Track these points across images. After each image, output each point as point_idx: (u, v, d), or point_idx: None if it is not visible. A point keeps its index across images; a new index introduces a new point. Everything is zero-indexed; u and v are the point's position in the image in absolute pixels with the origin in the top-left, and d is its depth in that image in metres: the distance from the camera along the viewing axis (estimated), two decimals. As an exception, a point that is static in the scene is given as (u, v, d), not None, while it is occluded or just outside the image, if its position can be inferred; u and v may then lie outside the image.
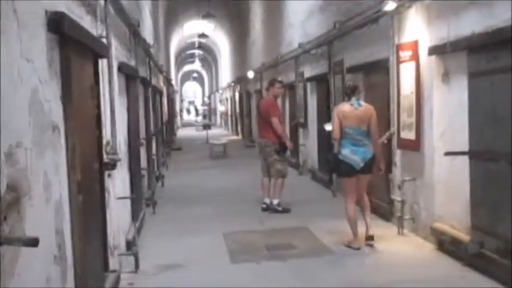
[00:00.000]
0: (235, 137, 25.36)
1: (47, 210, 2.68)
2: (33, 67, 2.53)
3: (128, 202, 6.07)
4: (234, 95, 27.55)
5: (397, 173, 6.54)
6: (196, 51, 37.07)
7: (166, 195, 9.77)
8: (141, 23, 8.81)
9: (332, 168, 6.11)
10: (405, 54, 6.03)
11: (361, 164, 5.60)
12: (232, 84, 27.03)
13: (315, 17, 10.36)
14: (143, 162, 8.26)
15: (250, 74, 18.61)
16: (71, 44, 3.12)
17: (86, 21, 3.89)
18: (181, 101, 54.90)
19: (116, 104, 5.07)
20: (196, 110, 55.04)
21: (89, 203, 3.50)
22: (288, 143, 7.87)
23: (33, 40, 2.55)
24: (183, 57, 40.71)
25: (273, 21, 15.14)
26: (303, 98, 11.50)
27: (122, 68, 5.68)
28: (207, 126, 23.12)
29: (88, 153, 3.57)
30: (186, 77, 58.10)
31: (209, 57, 40.92)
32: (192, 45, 34.49)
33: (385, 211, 6.84)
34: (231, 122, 29.89)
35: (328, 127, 6.37)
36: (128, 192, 6.16)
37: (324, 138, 9.09)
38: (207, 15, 19.39)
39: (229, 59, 29.89)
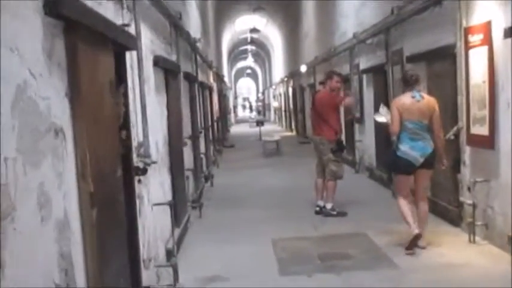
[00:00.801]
0: (289, 133, 24.78)
1: (44, 231, 2.21)
2: (20, 58, 2.06)
3: (169, 207, 5.64)
4: (287, 90, 26.95)
5: (466, 173, 5.79)
6: (249, 47, 36.66)
7: (215, 196, 9.34)
8: (184, 15, 8.40)
9: (390, 164, 5.76)
10: (475, 38, 5.28)
11: (421, 160, 5.23)
12: (285, 79, 26.42)
13: (369, 4, 9.62)
14: (188, 163, 7.83)
15: (303, 68, 17.98)
16: (81, 32, 2.65)
17: (107, 8, 3.43)
18: (236, 97, 54.83)
19: (148, 101, 4.62)
20: (250, 106, 54.86)
21: (108, 215, 3.03)
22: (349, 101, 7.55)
23: (20, 25, 2.09)
24: (236, 53, 40.43)
25: (326, 12, 14.44)
26: (359, 91, 10.78)
27: (158, 62, 5.23)
28: (260, 123, 22.63)
29: (107, 159, 3.11)
30: (240, 73, 57.96)
31: (262, 52, 40.44)
32: (244, 41, 34.12)
33: (453, 215, 6.10)
34: (284, 117, 29.32)
35: (379, 118, 5.84)
36: (168, 197, 5.72)
37: (382, 133, 8.37)
38: (257, 9, 18.88)
39: (282, 54, 29.31)
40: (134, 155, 4.10)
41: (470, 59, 5.39)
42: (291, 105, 24.98)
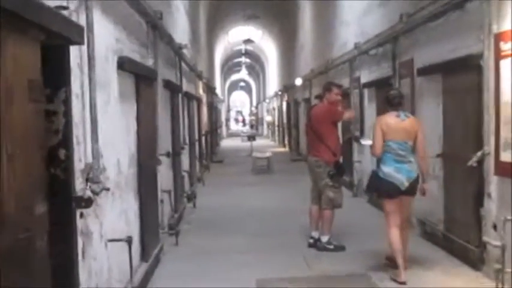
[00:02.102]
0: (282, 149, 23.84)
1: None
2: None
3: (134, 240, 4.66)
4: (281, 105, 26.07)
5: (492, 208, 4.85)
6: (243, 59, 35.80)
7: (197, 219, 8.35)
8: (168, 17, 7.49)
9: (372, 187, 5.29)
10: (510, 46, 4.37)
11: (406, 184, 4.90)
12: (280, 93, 25.53)
13: (374, 12, 8.75)
14: (166, 183, 6.86)
15: (298, 82, 17.10)
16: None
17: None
18: (228, 110, 53.97)
19: (107, 111, 3.69)
20: (244, 120, 54.00)
21: (15, 276, 2.06)
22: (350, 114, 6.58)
23: None
24: (230, 65, 39.58)
25: (325, 21, 13.57)
26: (359, 107, 9.88)
27: (124, 64, 4.28)
28: (251, 138, 21.67)
29: (21, 191, 2.14)
30: (234, 86, 57.10)
31: (256, 65, 39.62)
32: (238, 53, 33.29)
33: (473, 257, 5.15)
34: (278, 132, 28.40)
35: (366, 142, 5.53)
36: (134, 227, 4.76)
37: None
38: (252, 16, 18.04)
39: (276, 67, 28.47)
40: (79, 181, 3.14)
41: (502, 70, 4.48)
42: (285, 120, 24.08)
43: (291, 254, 6.06)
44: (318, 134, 6.14)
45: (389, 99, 5.15)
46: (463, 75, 5.38)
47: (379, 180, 4.98)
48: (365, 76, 9.46)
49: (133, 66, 4.66)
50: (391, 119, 4.99)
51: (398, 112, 5.00)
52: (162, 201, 6.11)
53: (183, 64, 9.24)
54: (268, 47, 29.10)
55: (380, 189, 5.11)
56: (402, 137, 4.91)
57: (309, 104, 16.19)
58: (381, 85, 8.40)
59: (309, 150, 6.51)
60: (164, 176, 6.71)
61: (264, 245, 6.54)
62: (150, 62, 5.81)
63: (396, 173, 4.88)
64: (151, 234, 5.38)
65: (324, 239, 6.13)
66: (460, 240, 5.44)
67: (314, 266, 5.58)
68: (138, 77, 4.96)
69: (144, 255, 5.04)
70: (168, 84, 7.09)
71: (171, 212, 6.78)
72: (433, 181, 6.29)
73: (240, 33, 25.68)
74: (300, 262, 5.74)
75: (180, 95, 8.66)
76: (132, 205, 4.70)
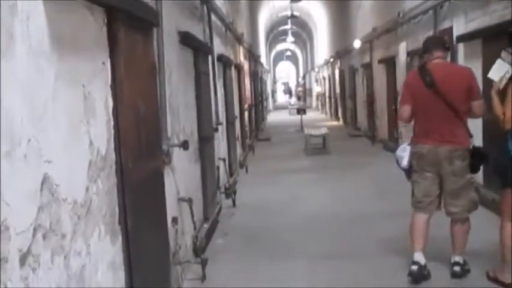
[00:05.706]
0: (335, 123, 21.36)
1: None
2: None
3: None
4: (333, 73, 23.45)
5: None
6: (289, 25, 33.09)
7: (236, 227, 6.16)
8: None
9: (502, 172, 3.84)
10: None
11: None
12: (331, 60, 22.89)
13: None
14: (186, 186, 4.64)
15: (357, 44, 14.53)
16: None
17: None
18: (275, 82, 51.61)
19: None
20: (290, 92, 51.61)
21: None
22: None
23: None
24: (275, 34, 37.00)
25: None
26: (451, 69, 7.37)
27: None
28: (301, 111, 19.28)
29: None
30: (279, 56, 54.55)
31: (303, 33, 36.85)
32: (284, 20, 30.65)
33: None
34: (329, 104, 25.82)
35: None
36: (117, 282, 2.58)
37: (494, 131, 4.86)
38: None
39: (326, 32, 25.74)
40: None
41: None
42: (338, 90, 21.51)
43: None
44: (455, 109, 3.97)
45: None
46: None
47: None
48: (460, 26, 6.92)
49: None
50: None
51: None
52: (174, 220, 3.87)
53: (213, 17, 6.97)
54: (317, 12, 26.38)
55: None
56: None
57: (370, 70, 13.68)
58: (491, 36, 5.89)
59: (432, 133, 4.03)
60: (183, 176, 4.51)
61: (345, 284, 4.25)
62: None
63: None
64: (152, 281, 3.20)
65: (456, 258, 4.08)
66: None
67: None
68: (110, 11, 2.71)
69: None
70: (187, 39, 4.82)
71: (195, 230, 4.56)
72: None
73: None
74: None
75: (210, 58, 6.40)
76: (105, 251, 2.51)
